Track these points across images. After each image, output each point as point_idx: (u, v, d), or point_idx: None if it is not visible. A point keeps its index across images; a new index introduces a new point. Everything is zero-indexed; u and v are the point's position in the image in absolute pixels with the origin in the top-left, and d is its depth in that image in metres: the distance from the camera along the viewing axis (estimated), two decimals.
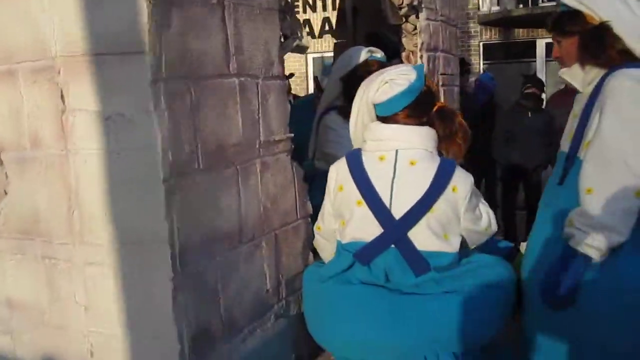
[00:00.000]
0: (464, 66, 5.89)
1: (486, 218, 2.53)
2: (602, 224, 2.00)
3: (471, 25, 13.06)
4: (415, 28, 4.08)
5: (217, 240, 2.33)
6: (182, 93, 2.15)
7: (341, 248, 2.46)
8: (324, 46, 13.56)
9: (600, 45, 2.11)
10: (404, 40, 4.18)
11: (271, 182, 2.64)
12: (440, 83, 4.46)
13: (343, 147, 2.89)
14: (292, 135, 2.78)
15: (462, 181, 2.38)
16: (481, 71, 12.29)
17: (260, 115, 2.56)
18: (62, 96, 2.22)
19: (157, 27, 2.04)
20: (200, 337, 2.25)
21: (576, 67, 2.27)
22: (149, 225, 2.13)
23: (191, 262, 2.20)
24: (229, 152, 2.39)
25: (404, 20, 4.12)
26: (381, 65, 3.22)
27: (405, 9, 4.02)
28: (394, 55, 4.32)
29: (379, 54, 3.44)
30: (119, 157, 2.14)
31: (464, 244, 2.54)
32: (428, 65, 4.21)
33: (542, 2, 11.71)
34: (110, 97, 2.12)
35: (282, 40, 2.81)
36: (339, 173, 2.47)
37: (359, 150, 2.48)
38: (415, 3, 4.00)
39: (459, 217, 2.40)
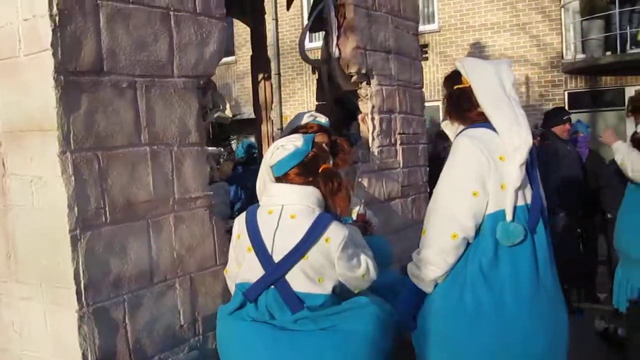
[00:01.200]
0: (562, 114, 5.74)
1: (364, 266, 2.88)
2: (426, 259, 2.38)
3: (555, 73, 13.02)
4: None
5: (124, 281, 2.81)
6: (90, 160, 2.68)
7: (236, 288, 2.90)
8: None
9: (461, 106, 2.46)
10: (359, 104, 4.63)
11: (186, 233, 3.11)
12: (399, 142, 4.86)
13: None
14: (211, 193, 3.25)
15: (335, 233, 2.77)
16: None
17: (174, 176, 3.05)
18: (3, 163, 2.80)
19: (66, 110, 2.58)
20: None
21: (449, 122, 2.60)
22: (60, 268, 2.64)
23: (96, 299, 2.69)
24: (139, 208, 2.88)
25: (359, 85, 4.56)
26: (320, 128, 3.65)
27: (355, 77, 4.47)
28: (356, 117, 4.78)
29: (322, 119, 3.81)
30: (40, 212, 2.68)
31: (346, 287, 2.91)
32: (381, 126, 4.63)
33: (631, 49, 11.62)
34: (32, 165, 2.67)
35: (208, 111, 3.32)
36: (239, 224, 2.92)
37: (257, 205, 2.93)
38: (364, 70, 4.44)
39: (333, 264, 2.78)
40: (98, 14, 2.73)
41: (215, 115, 3.30)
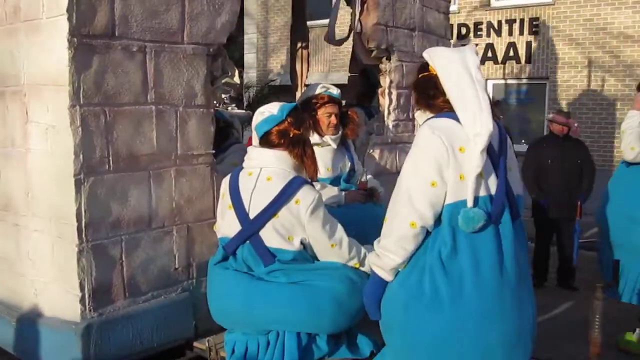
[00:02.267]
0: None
1: (337, 237, 3.03)
2: (386, 248, 2.42)
3: None
4: None
5: (123, 223, 3.17)
6: (97, 114, 3.03)
7: (219, 241, 3.23)
8: (507, 72, 13.27)
9: (427, 93, 2.48)
10: (380, 78, 4.82)
11: (186, 186, 3.44)
12: None
13: None
14: (214, 151, 3.57)
15: (305, 196, 3.02)
16: None
17: (178, 134, 3.38)
18: (26, 112, 3.19)
19: (77, 68, 2.93)
20: (100, 292, 3.09)
21: (420, 111, 2.63)
22: (65, 207, 3.02)
23: (95, 236, 3.06)
24: (142, 160, 3.23)
25: (380, 60, 4.75)
26: (331, 99, 3.89)
27: (375, 52, 4.66)
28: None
29: (334, 90, 3.95)
30: (52, 157, 3.07)
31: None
32: (398, 101, 4.82)
33: None
34: (48, 115, 3.05)
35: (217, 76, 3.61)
36: (224, 184, 3.23)
37: (241, 167, 3.23)
38: (383, 46, 4.63)
39: (303, 225, 3.04)
40: None
41: (223, 81, 3.58)
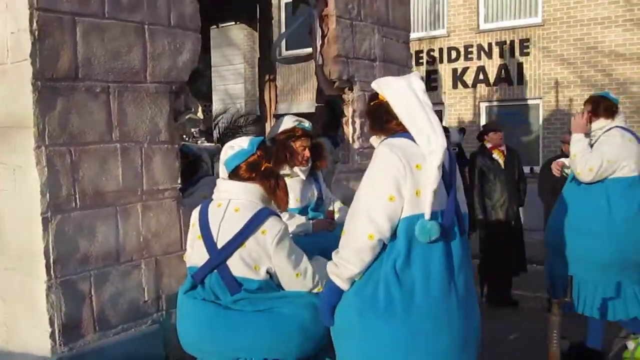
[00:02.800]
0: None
1: (302, 267, 3.16)
2: (344, 258, 2.58)
3: None
4: None
5: (91, 259, 3.26)
6: (63, 154, 3.14)
7: (188, 271, 3.32)
8: (499, 94, 13.28)
9: (380, 119, 2.66)
10: (344, 108, 4.98)
11: (153, 220, 3.54)
12: None
13: None
14: (179, 185, 3.68)
15: (271, 227, 3.13)
16: None
17: (143, 170, 3.49)
18: None
19: (41, 110, 3.04)
20: (70, 327, 3.17)
21: (374, 136, 2.79)
22: (34, 245, 3.11)
23: (64, 272, 3.15)
24: (108, 197, 3.33)
25: (343, 91, 4.91)
26: (304, 132, 3.98)
27: (337, 83, 4.82)
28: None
29: (306, 123, 4.01)
30: (20, 196, 3.16)
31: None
32: (362, 129, 4.97)
33: None
34: (15, 156, 3.15)
35: (182, 112, 3.74)
36: (194, 214, 3.33)
37: (211, 199, 3.34)
38: (345, 77, 4.79)
39: (269, 255, 3.15)
40: (75, 28, 3.17)
41: (187, 116, 3.71)
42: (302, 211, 4.07)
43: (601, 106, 4.51)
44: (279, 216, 3.27)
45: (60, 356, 3.10)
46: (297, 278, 3.21)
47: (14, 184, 3.18)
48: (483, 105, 13.45)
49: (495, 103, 13.37)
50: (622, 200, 4.28)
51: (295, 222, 3.96)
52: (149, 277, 3.54)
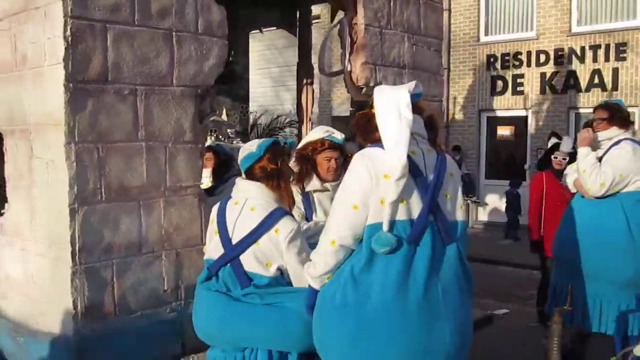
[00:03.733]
0: None
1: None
2: (313, 259, 2.79)
3: None
4: None
5: (114, 248, 3.52)
6: (91, 151, 3.41)
7: (205, 263, 3.55)
8: (591, 100, 12.44)
9: (365, 129, 2.76)
10: None
11: (175, 215, 3.79)
12: None
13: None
14: (201, 183, 3.91)
15: (284, 226, 3.33)
16: None
17: (167, 168, 3.73)
18: (31, 148, 3.59)
19: (72, 110, 3.32)
20: (92, 309, 3.44)
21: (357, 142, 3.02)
22: (62, 233, 3.39)
23: (88, 260, 3.42)
24: (132, 191, 3.59)
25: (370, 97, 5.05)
26: (332, 145, 3.92)
27: (365, 89, 4.97)
28: None
29: (337, 135, 3.96)
30: (51, 188, 3.45)
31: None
32: None
33: None
34: (49, 151, 3.44)
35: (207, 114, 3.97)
36: (214, 211, 3.56)
37: (229, 197, 3.56)
38: (372, 84, 4.93)
39: (281, 253, 3.35)
40: (106, 35, 3.44)
41: (212, 118, 3.94)
42: None
43: (617, 115, 4.41)
44: (292, 216, 3.46)
45: (82, 336, 3.37)
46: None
47: (47, 177, 3.47)
48: (572, 113, 12.91)
49: (588, 110, 12.35)
50: (637, 214, 4.24)
51: (317, 229, 4.10)
52: (169, 268, 3.77)
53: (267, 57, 16.46)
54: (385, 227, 2.58)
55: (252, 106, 11.49)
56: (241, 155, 3.46)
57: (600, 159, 4.34)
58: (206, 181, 5.35)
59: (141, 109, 3.61)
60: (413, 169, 2.62)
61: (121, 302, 3.57)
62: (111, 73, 3.47)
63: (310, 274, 2.85)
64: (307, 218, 3.89)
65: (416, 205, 2.64)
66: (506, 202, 12.50)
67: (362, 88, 5.04)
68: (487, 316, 4.77)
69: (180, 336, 3.76)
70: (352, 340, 2.63)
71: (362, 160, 2.62)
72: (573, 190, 4.58)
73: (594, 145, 4.42)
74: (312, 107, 6.46)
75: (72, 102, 3.32)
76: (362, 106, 5.52)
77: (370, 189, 2.57)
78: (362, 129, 2.82)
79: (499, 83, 14.01)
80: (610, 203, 4.29)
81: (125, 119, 3.55)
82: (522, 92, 13.59)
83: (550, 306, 4.43)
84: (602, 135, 4.42)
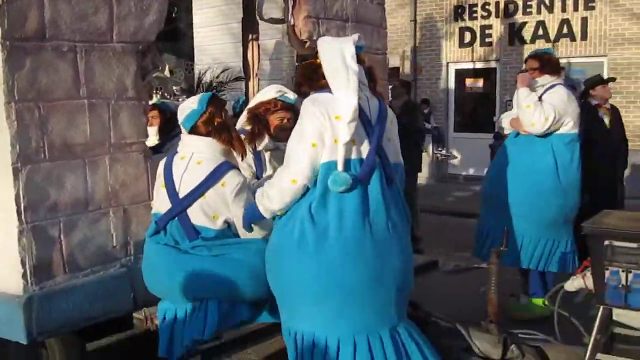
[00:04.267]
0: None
1: (265, 225, 3.47)
2: (269, 195, 2.95)
3: None
4: None
5: (60, 206, 3.53)
6: (32, 109, 3.38)
7: (152, 217, 3.60)
8: (560, 51, 12.58)
9: (310, 77, 3.00)
10: None
11: (121, 172, 3.80)
12: None
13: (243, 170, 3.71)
14: (146, 140, 3.93)
15: (231, 180, 3.41)
16: None
17: (110, 125, 3.73)
18: None
19: (10, 69, 3.28)
20: (41, 268, 3.46)
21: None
22: (6, 194, 3.38)
23: (34, 218, 3.42)
24: (76, 149, 3.58)
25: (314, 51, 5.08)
26: (285, 105, 3.95)
27: (308, 43, 5.00)
28: None
29: (290, 95, 3.98)
30: None
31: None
32: None
33: None
34: None
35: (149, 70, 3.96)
36: (160, 167, 3.60)
37: (175, 152, 3.60)
38: (315, 38, 4.96)
39: (228, 206, 3.42)
40: None
41: (154, 75, 3.93)
42: None
43: (548, 64, 4.65)
44: (238, 170, 3.53)
45: (32, 294, 3.40)
46: (253, 226, 3.48)
47: None
48: None
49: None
50: (565, 157, 4.47)
51: (263, 181, 4.17)
52: (117, 224, 3.81)
53: (226, 12, 16.18)
54: (340, 167, 2.77)
55: (211, 63, 11.37)
56: (182, 114, 3.50)
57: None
58: (153, 139, 5.36)
59: (82, 66, 3.59)
60: (360, 113, 2.82)
61: (70, 260, 3.60)
62: (49, 30, 3.43)
63: (264, 205, 3.00)
64: (258, 177, 3.97)
65: (365, 146, 2.85)
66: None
67: (306, 42, 5.06)
68: (433, 261, 4.99)
69: (131, 291, 3.82)
70: (312, 274, 2.81)
71: (314, 104, 2.83)
72: (508, 131, 4.79)
73: (531, 88, 4.64)
74: (259, 62, 6.45)
75: (10, 60, 3.28)
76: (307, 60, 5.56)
77: (325, 128, 2.77)
78: (307, 77, 3.05)
79: (467, 34, 13.98)
80: (542, 145, 4.55)
81: (65, 76, 3.52)
82: (490, 44, 13.64)
83: (479, 249, 4.70)
84: (538, 82, 4.69)
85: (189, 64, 5.77)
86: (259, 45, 6.42)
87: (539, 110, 4.49)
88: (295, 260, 2.86)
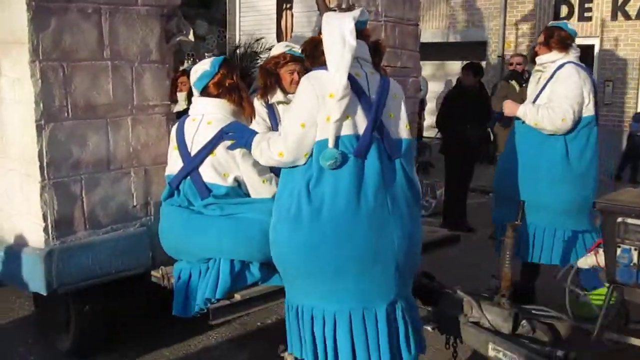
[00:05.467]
0: None
1: (268, 176, 3.53)
2: (257, 156, 2.99)
3: None
4: None
5: (82, 164, 3.64)
6: (56, 69, 3.48)
7: (166, 178, 3.68)
8: None
9: (312, 54, 2.96)
10: None
11: (143, 133, 3.89)
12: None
13: (257, 125, 3.84)
14: (168, 102, 4.00)
15: None
16: None
17: (134, 87, 3.81)
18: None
19: (35, 28, 3.37)
20: (62, 223, 3.58)
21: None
22: (30, 150, 3.50)
23: (56, 175, 3.54)
24: (99, 109, 3.68)
25: None
26: (293, 57, 4.21)
27: (337, 11, 4.97)
28: None
29: (297, 49, 4.13)
30: (19, 105, 3.54)
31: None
32: None
33: None
34: (15, 68, 3.51)
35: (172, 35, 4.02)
36: (173, 129, 3.68)
37: (187, 115, 3.67)
38: (344, 6, 4.94)
39: (237, 164, 3.47)
40: None
41: (178, 39, 3.98)
42: None
43: (554, 36, 4.29)
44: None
45: (52, 248, 3.52)
46: (263, 184, 3.53)
47: (14, 94, 3.55)
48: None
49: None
50: (579, 143, 4.25)
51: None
52: (138, 184, 3.91)
53: None
54: (330, 144, 2.76)
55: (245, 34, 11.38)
56: (195, 75, 3.55)
57: (546, 84, 4.32)
58: (182, 104, 5.44)
59: (106, 28, 3.66)
60: (357, 89, 2.80)
61: (91, 217, 3.71)
62: None
63: (255, 155, 3.04)
64: (273, 129, 4.07)
65: (361, 122, 2.81)
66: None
67: (335, 10, 5.03)
68: (455, 235, 4.93)
69: (150, 249, 3.92)
70: (306, 249, 2.82)
71: (309, 81, 2.82)
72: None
73: (537, 69, 4.39)
74: (292, 32, 6.45)
75: (35, 20, 3.37)
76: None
77: (317, 108, 2.75)
78: (309, 53, 3.04)
79: (564, 8, 12.91)
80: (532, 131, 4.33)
81: (89, 37, 3.60)
82: (590, 19, 12.54)
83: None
84: (543, 59, 4.36)
85: (221, 30, 5.79)
86: (292, 15, 6.42)
87: (547, 117, 4.20)
88: (290, 236, 2.86)
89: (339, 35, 2.74)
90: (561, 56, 4.31)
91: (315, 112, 2.74)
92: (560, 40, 4.31)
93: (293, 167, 2.85)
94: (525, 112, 4.35)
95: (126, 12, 3.74)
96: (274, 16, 6.67)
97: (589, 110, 4.26)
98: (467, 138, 6.86)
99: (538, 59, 4.41)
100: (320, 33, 2.98)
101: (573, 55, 4.33)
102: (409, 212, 2.97)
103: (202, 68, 3.54)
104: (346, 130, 2.75)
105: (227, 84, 3.51)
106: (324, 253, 2.80)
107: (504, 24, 13.67)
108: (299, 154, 2.80)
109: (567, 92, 4.19)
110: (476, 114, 6.90)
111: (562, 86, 4.22)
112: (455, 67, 13.42)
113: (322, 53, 2.82)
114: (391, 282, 2.87)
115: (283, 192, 2.94)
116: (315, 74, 2.83)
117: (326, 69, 2.76)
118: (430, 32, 14.39)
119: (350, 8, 5.04)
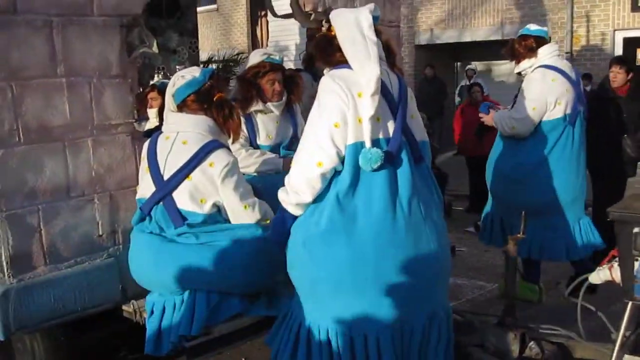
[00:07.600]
0: None
1: (251, 201, 3.22)
2: (295, 187, 2.64)
3: None
4: None
5: (39, 193, 3.29)
6: (3, 89, 3.14)
7: (137, 203, 3.35)
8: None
9: (325, 50, 2.74)
10: None
11: (105, 155, 3.55)
12: None
13: None
14: (133, 120, 3.66)
15: (219, 159, 3.15)
16: None
17: (93, 105, 3.47)
18: None
19: None
20: (19, 259, 3.23)
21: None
22: None
23: (10, 206, 3.19)
24: (55, 131, 3.33)
25: (321, 24, 4.76)
26: (273, 66, 3.93)
27: (313, 15, 4.69)
28: None
29: (275, 56, 4.02)
30: None
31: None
32: None
33: None
34: None
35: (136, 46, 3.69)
36: (145, 148, 3.35)
37: (160, 132, 3.34)
38: (320, 9, 4.66)
39: (217, 187, 3.16)
40: None
41: (141, 51, 3.65)
42: (274, 149, 4.04)
43: (517, 49, 4.45)
44: (228, 149, 3.27)
45: (8, 287, 3.18)
46: (245, 210, 3.22)
47: None
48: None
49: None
50: (547, 145, 4.34)
51: (265, 160, 3.94)
52: (103, 211, 3.56)
53: None
54: (367, 144, 2.54)
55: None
56: (179, 82, 3.23)
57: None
58: (153, 121, 5.12)
59: (58, 42, 3.33)
60: (383, 88, 2.58)
61: (51, 250, 3.37)
62: (20, 3, 3.17)
63: (294, 201, 2.68)
64: (251, 141, 3.90)
65: (390, 123, 2.62)
66: None
67: (310, 14, 4.76)
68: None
69: (120, 282, 3.58)
70: (348, 265, 2.56)
71: (334, 81, 2.58)
72: None
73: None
74: (267, 39, 6.15)
75: None
76: (312, 36, 5.24)
77: (347, 107, 2.53)
78: (322, 50, 2.76)
79: None
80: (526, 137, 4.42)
81: (40, 53, 3.27)
82: None
83: (482, 234, 4.59)
84: (519, 67, 4.52)
85: (193, 41, 5.53)
86: (267, 22, 6.11)
87: (523, 121, 4.36)
88: (326, 252, 2.58)
89: (358, 30, 2.58)
90: (533, 61, 4.43)
91: (346, 111, 2.53)
92: (525, 47, 4.45)
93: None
94: (498, 120, 4.55)
95: (81, 24, 3.40)
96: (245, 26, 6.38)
97: (554, 115, 4.34)
98: None
99: (516, 69, 4.57)
100: (328, 29, 2.77)
101: (547, 54, 4.40)
102: (438, 218, 2.79)
103: (191, 74, 3.22)
104: (378, 133, 2.57)
105: (215, 98, 3.21)
106: (366, 265, 2.57)
107: (572, 16, 12.65)
108: (337, 158, 2.57)
109: (526, 94, 4.38)
110: None
111: (524, 90, 4.41)
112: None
113: (337, 50, 2.66)
114: (431, 292, 2.70)
115: (307, 213, 2.68)
116: (338, 73, 2.62)
117: (346, 67, 2.59)
118: (484, 30, 13.77)
119: (326, 11, 4.75)
